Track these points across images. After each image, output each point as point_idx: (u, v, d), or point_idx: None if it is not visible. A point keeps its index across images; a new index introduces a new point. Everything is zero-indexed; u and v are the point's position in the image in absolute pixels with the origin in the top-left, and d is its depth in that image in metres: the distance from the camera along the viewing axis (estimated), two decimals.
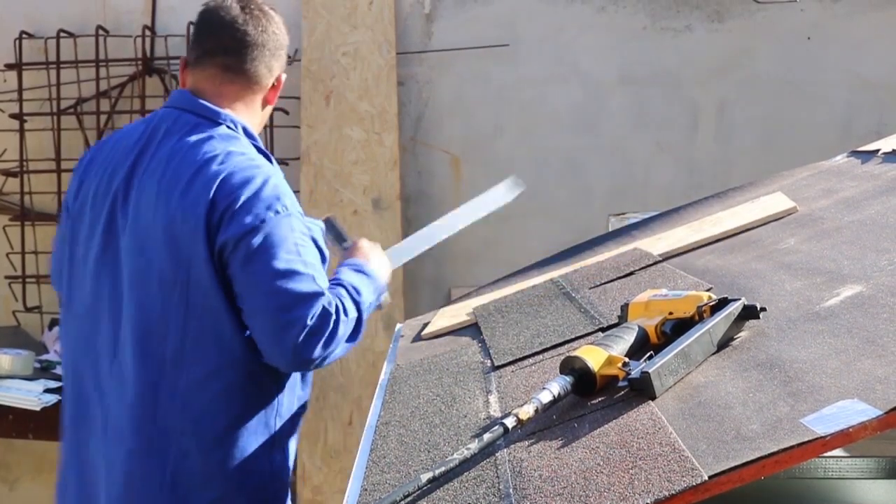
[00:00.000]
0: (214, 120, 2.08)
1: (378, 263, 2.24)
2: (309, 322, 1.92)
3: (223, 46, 2.13)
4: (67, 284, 2.15)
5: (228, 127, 2.09)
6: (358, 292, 2.07)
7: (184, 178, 1.99)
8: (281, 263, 1.94)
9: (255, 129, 2.20)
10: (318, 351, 1.94)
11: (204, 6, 2.26)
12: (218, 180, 1.97)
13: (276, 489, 2.11)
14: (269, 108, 2.27)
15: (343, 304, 2.01)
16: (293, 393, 2.12)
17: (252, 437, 2.02)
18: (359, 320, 2.04)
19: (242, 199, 1.96)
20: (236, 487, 2.01)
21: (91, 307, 2.08)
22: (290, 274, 1.94)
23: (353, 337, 2.03)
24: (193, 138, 2.05)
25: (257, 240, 1.94)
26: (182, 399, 1.98)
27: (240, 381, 2.01)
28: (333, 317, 1.96)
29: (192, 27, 2.30)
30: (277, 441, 2.08)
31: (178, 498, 1.98)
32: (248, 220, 1.95)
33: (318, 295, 1.96)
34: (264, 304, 1.94)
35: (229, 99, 2.13)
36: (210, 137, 2.05)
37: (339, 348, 2.00)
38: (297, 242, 1.99)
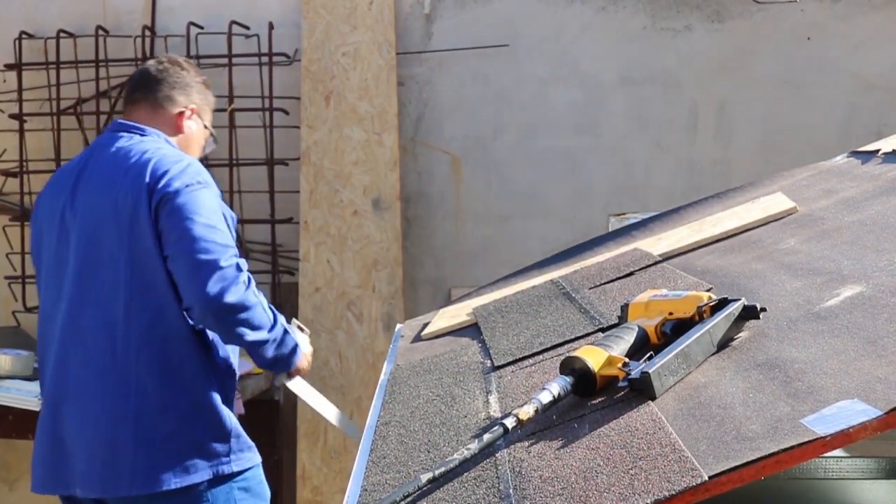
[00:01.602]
0: (142, 132, 2.58)
1: (301, 346, 2.64)
2: (222, 264, 2.33)
3: (135, 87, 2.69)
4: (39, 281, 2.62)
5: (154, 136, 2.59)
6: (276, 316, 2.50)
7: (125, 165, 2.46)
8: (202, 218, 2.37)
9: (186, 150, 2.63)
10: (227, 296, 2.32)
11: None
12: (153, 161, 2.44)
13: (225, 422, 2.45)
14: (196, 132, 2.71)
15: (255, 285, 2.41)
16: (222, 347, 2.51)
17: (197, 376, 2.42)
18: (273, 320, 2.46)
19: (173, 170, 2.42)
20: (190, 419, 2.39)
21: (49, 297, 2.52)
22: (211, 227, 2.37)
23: (259, 324, 2.40)
24: (129, 143, 2.54)
25: (184, 199, 2.38)
26: (135, 347, 2.38)
27: (178, 327, 2.40)
28: (244, 275, 2.37)
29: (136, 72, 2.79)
30: (218, 380, 2.47)
31: (142, 429, 2.35)
32: (177, 184, 2.39)
33: (231, 248, 2.39)
34: (186, 247, 2.33)
35: (147, 121, 2.62)
36: (142, 140, 2.55)
37: (246, 313, 2.36)
38: (217, 210, 2.43)
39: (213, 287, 2.31)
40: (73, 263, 2.45)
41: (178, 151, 2.54)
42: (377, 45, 4.38)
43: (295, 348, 2.58)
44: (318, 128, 4.37)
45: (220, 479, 2.41)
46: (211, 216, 2.39)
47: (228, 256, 2.36)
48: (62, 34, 4.46)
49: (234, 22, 4.37)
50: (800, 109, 4.42)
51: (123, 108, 2.69)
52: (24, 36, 4.51)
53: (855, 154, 2.87)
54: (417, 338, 2.57)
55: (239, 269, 2.37)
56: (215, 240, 2.35)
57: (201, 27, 4.43)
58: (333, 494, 4.24)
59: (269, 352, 2.48)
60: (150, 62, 2.73)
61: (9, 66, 4.50)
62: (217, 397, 2.45)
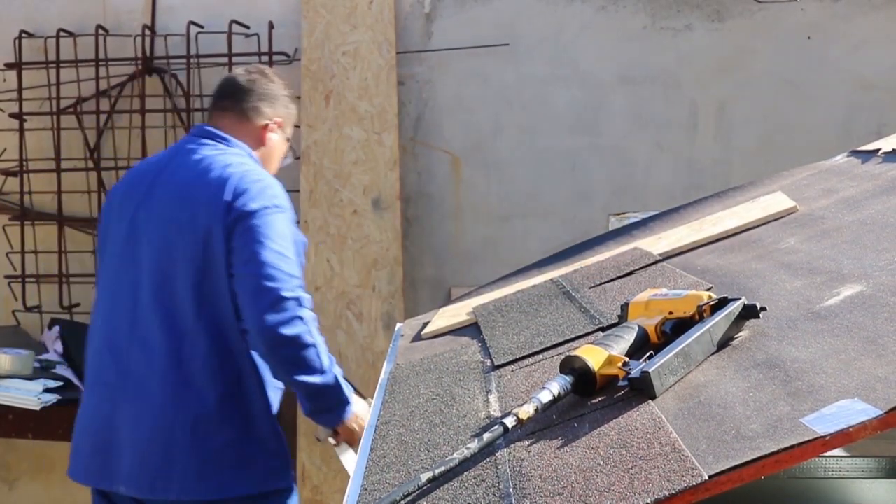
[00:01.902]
0: (227, 142, 2.61)
1: (355, 409, 2.56)
2: (284, 294, 2.33)
3: (221, 93, 2.71)
4: (99, 277, 2.64)
5: (239, 148, 2.62)
6: (332, 364, 2.48)
7: (207, 176, 2.47)
8: (274, 244, 2.38)
9: (266, 163, 2.69)
10: (283, 328, 2.32)
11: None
12: (235, 176, 2.46)
13: (276, 439, 2.52)
14: (278, 145, 2.74)
15: (316, 329, 2.42)
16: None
17: (255, 392, 2.47)
18: (328, 367, 2.44)
19: (253, 190, 2.44)
20: (245, 432, 2.44)
21: (113, 292, 2.54)
22: (280, 254, 2.38)
23: (309, 366, 2.39)
24: (213, 152, 2.56)
25: (259, 221, 2.40)
26: (201, 357, 2.41)
27: (242, 342, 2.43)
28: (305, 311, 2.38)
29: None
30: (268, 398, 2.51)
31: (198, 437, 2.39)
32: (255, 204, 2.41)
33: (296, 279, 2.40)
34: (252, 270, 2.35)
35: (232, 131, 2.64)
36: (225, 152, 2.57)
37: (298, 350, 2.35)
38: (289, 236, 2.44)
39: (271, 316, 2.32)
40: (147, 266, 2.47)
41: (260, 169, 2.57)
42: (377, 44, 4.38)
43: (345, 405, 2.50)
44: (317, 127, 4.37)
45: (264, 495, 2.46)
46: (282, 242, 2.40)
47: (293, 287, 2.36)
48: (62, 33, 4.46)
49: (234, 21, 4.36)
50: (800, 109, 4.42)
51: (210, 114, 2.72)
52: (24, 35, 4.50)
53: (855, 153, 2.87)
54: (417, 337, 2.57)
55: (300, 303, 2.37)
56: (282, 267, 2.36)
57: (201, 26, 4.43)
58: (333, 494, 4.24)
59: (315, 399, 2.45)
60: (239, 71, 2.77)
61: (9, 66, 4.50)
62: (271, 414, 2.51)
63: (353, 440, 2.55)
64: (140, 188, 2.58)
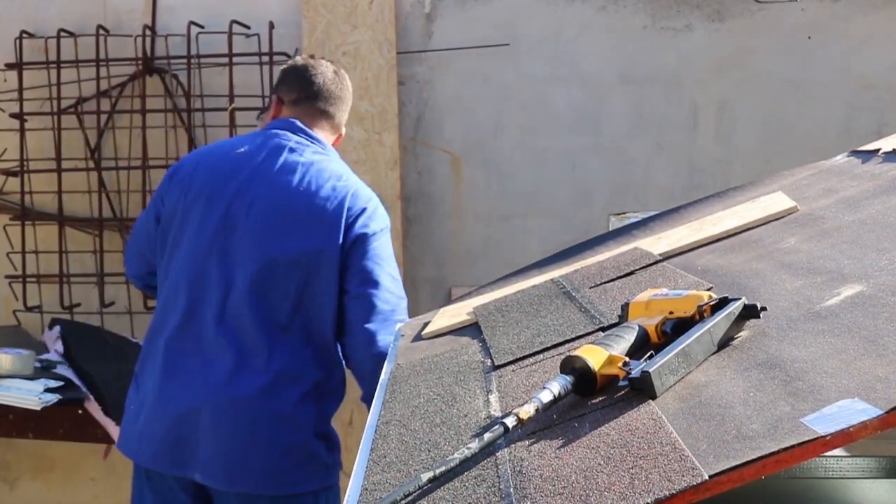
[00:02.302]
0: (324, 149, 2.65)
1: None
2: (396, 317, 2.52)
3: (320, 94, 2.70)
4: (171, 259, 2.61)
5: (335, 154, 2.69)
6: None
7: (322, 185, 2.53)
8: (390, 267, 2.56)
9: None
10: (389, 349, 2.40)
11: (301, 61, 2.81)
12: (351, 190, 2.56)
13: (337, 437, 2.64)
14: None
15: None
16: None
17: (328, 398, 2.57)
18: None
19: (369, 209, 2.56)
20: (319, 430, 2.54)
21: (195, 280, 2.55)
22: (395, 279, 2.58)
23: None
24: (317, 157, 2.60)
25: (378, 243, 2.53)
26: (289, 361, 2.49)
27: (330, 349, 2.55)
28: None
29: (289, 73, 2.80)
30: (340, 398, 2.63)
31: (278, 433, 2.47)
32: (374, 226, 2.54)
33: (405, 300, 2.60)
34: (371, 291, 2.50)
35: (321, 134, 2.69)
36: (329, 159, 2.62)
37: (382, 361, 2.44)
38: (394, 256, 2.61)
39: (383, 337, 2.51)
40: (243, 261, 2.50)
41: (363, 184, 2.66)
42: (377, 44, 4.38)
43: None
44: None
45: (325, 489, 2.57)
46: (393, 264, 2.59)
47: (402, 310, 2.57)
48: (63, 33, 4.46)
49: (234, 21, 4.36)
50: (800, 109, 4.42)
51: (294, 101, 2.70)
52: (24, 35, 4.50)
53: (855, 153, 2.87)
54: (418, 337, 2.56)
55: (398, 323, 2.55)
56: (395, 291, 2.57)
57: (202, 26, 4.43)
58: None
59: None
60: (329, 72, 2.74)
61: (9, 66, 4.50)
62: (332, 413, 2.63)
63: None
64: (234, 178, 2.56)
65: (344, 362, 2.67)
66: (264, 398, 2.47)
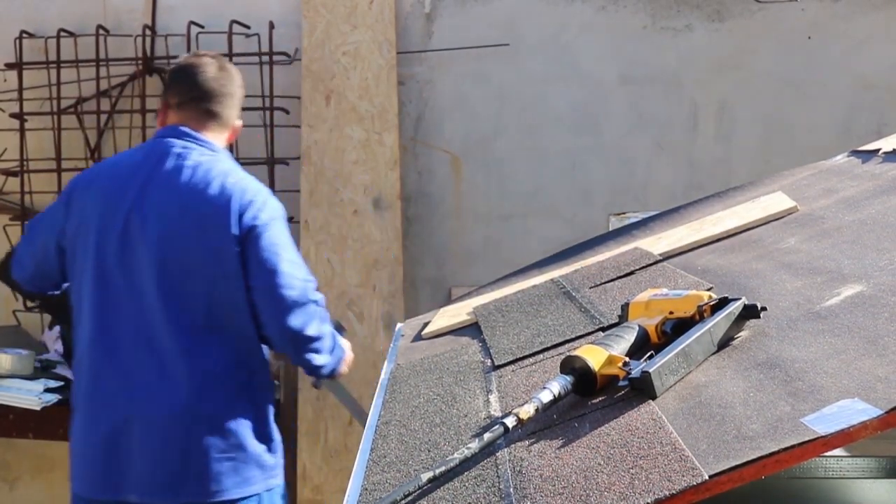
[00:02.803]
0: (211, 148, 2.61)
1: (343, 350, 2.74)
2: (305, 300, 2.52)
3: (204, 95, 2.65)
4: (80, 280, 2.58)
5: (221, 152, 2.64)
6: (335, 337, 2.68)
7: (209, 184, 2.51)
8: (288, 254, 2.53)
9: None
10: (307, 329, 2.52)
11: (183, 60, 2.78)
12: (239, 186, 2.53)
13: (277, 437, 2.62)
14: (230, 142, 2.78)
15: (326, 321, 2.62)
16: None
17: (261, 391, 2.59)
18: (335, 343, 2.66)
19: (258, 201, 2.53)
20: (254, 432, 2.52)
21: (104, 298, 2.52)
22: (295, 263, 2.55)
23: (326, 350, 2.61)
24: (204, 158, 2.57)
25: (271, 232, 2.51)
26: (212, 366, 2.47)
27: (253, 346, 2.55)
28: (321, 309, 2.58)
29: (173, 76, 2.77)
30: (272, 396, 2.65)
31: (214, 439, 2.45)
32: (265, 216, 2.51)
33: (312, 282, 2.58)
34: (273, 281, 2.48)
35: (207, 133, 2.64)
36: (217, 158, 2.60)
37: (318, 342, 2.57)
38: (292, 242, 2.61)
39: (295, 321, 2.50)
40: (150, 274, 2.48)
41: (250, 176, 2.63)
42: (377, 44, 4.38)
43: (341, 359, 2.71)
44: (318, 127, 4.37)
45: (268, 491, 2.54)
46: (293, 250, 2.57)
47: (311, 291, 2.55)
48: (63, 33, 4.46)
49: (234, 21, 4.36)
50: (800, 109, 4.42)
51: (178, 105, 2.65)
52: (24, 35, 4.50)
53: (855, 153, 2.87)
54: (418, 337, 2.57)
55: (317, 304, 2.56)
56: (297, 275, 2.53)
57: (202, 26, 4.43)
58: (334, 494, 4.24)
59: (327, 370, 2.65)
60: (209, 69, 2.68)
61: (9, 66, 4.50)
62: (272, 412, 2.61)
63: (341, 375, 2.77)
64: (125, 194, 2.54)
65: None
66: (192, 403, 2.45)
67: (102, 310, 2.52)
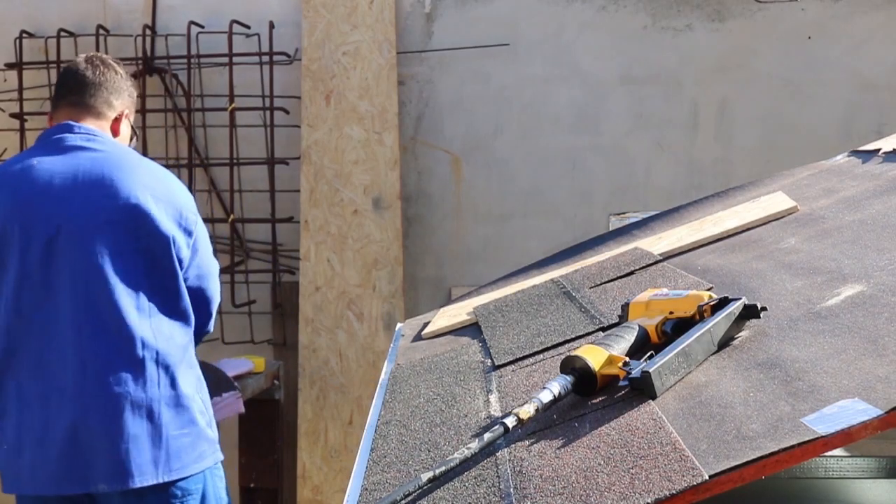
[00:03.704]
0: (104, 141, 2.60)
1: None
2: (217, 303, 2.74)
3: (76, 91, 2.65)
4: (7, 274, 2.55)
5: (121, 145, 2.66)
6: None
7: (120, 176, 2.51)
8: (210, 252, 2.69)
9: None
10: (212, 326, 2.76)
11: (66, 65, 2.82)
12: (166, 181, 2.60)
13: (213, 415, 2.68)
14: (127, 134, 2.74)
15: None
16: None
17: (199, 369, 2.66)
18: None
19: (186, 197, 2.61)
20: (199, 411, 2.58)
21: (39, 298, 2.51)
22: (215, 263, 2.72)
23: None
24: (113, 149, 2.59)
25: (200, 230, 2.62)
26: (162, 341, 2.52)
27: (188, 321, 2.61)
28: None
29: (57, 80, 2.82)
30: (201, 375, 2.69)
31: (167, 421, 2.50)
32: (193, 215, 2.60)
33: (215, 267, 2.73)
34: (206, 284, 2.65)
35: (97, 127, 2.63)
36: (119, 148, 2.62)
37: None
38: None
39: (211, 322, 2.74)
40: (80, 268, 2.48)
41: (164, 169, 2.69)
42: (377, 44, 4.38)
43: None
44: (318, 127, 4.37)
45: (215, 464, 2.63)
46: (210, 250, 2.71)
47: (218, 293, 2.75)
48: (63, 33, 4.46)
49: (234, 21, 4.37)
50: (800, 108, 4.42)
51: (54, 106, 2.68)
52: (24, 35, 4.51)
53: (855, 153, 2.87)
54: (418, 337, 2.57)
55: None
56: (216, 275, 2.72)
57: (202, 26, 4.43)
58: (334, 494, 4.24)
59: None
60: (81, 63, 2.71)
61: (9, 66, 4.50)
62: (205, 388, 2.69)
63: None
64: (47, 194, 2.51)
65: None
66: (144, 391, 2.49)
67: (43, 315, 2.51)
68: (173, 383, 2.53)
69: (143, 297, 2.51)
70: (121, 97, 2.71)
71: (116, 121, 2.69)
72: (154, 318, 2.52)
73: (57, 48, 4.44)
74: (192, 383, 2.59)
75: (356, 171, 4.36)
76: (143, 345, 2.49)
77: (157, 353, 2.51)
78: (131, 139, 2.77)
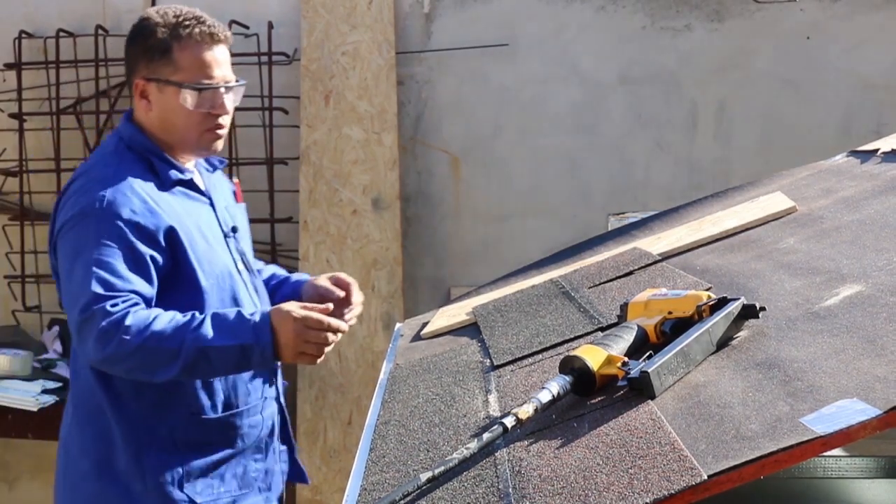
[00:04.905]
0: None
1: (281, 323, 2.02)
2: (78, 322, 2.03)
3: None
4: None
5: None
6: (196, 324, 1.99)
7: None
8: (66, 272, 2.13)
9: (167, 129, 2.23)
10: (99, 352, 1.99)
11: None
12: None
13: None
14: (163, 103, 2.21)
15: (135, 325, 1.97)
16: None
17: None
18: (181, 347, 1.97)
19: (67, 199, 2.16)
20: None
21: None
22: (71, 280, 2.12)
23: (163, 358, 1.98)
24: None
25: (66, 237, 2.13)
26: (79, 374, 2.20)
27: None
28: (106, 321, 1.96)
29: None
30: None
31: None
32: (61, 216, 2.15)
33: (85, 297, 2.02)
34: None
35: (136, 107, 2.25)
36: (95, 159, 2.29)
37: (128, 357, 1.97)
38: (82, 247, 2.11)
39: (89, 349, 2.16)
40: None
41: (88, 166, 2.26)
42: (377, 44, 4.38)
43: (257, 343, 1.98)
44: (317, 127, 4.37)
45: None
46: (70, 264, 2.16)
47: (81, 309, 2.06)
48: (62, 33, 4.45)
49: (233, 21, 4.36)
50: (799, 109, 4.42)
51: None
52: (23, 35, 4.50)
53: (854, 153, 2.87)
54: (417, 337, 2.57)
55: (96, 318, 2.01)
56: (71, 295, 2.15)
57: None
58: (333, 494, 4.24)
59: (220, 368, 2.04)
60: None
61: (8, 66, 4.49)
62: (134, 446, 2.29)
63: (312, 349, 2.00)
64: None
65: None
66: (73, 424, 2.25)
67: None
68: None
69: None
70: (130, 65, 2.23)
71: (139, 97, 2.22)
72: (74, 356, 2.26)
73: (56, 48, 4.44)
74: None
75: (355, 172, 4.36)
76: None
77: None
78: (194, 99, 2.22)
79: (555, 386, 1.50)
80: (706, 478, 1.15)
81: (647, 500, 1.16)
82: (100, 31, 4.44)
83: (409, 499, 1.37)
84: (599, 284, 2.27)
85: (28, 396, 3.64)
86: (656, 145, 4.48)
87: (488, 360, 1.99)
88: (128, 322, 1.95)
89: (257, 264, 2.53)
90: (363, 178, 4.36)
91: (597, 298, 2.14)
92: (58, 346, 4.08)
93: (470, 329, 2.37)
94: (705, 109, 4.46)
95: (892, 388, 1.19)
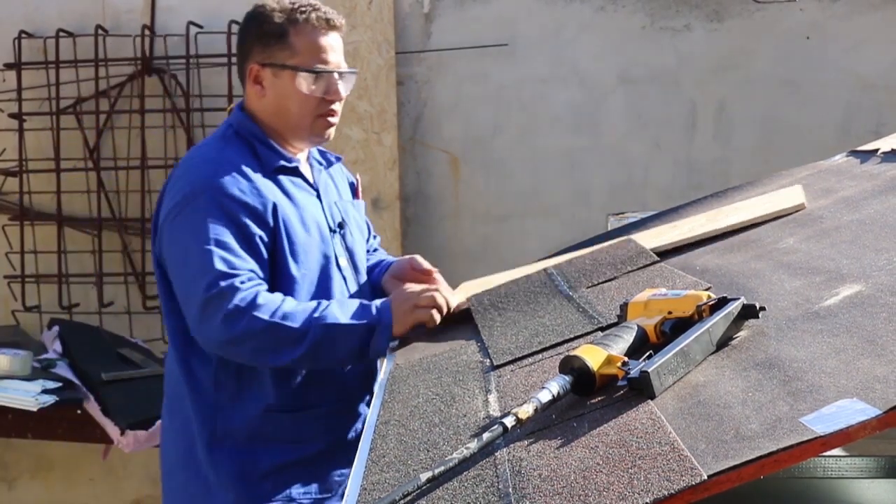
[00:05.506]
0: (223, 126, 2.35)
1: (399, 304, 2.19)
2: (202, 301, 2.05)
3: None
4: None
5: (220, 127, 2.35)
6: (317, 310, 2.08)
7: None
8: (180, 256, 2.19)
9: (281, 117, 2.26)
10: (222, 333, 2.04)
11: None
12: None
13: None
14: (279, 89, 2.23)
15: (258, 307, 2.03)
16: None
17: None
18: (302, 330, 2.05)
19: (172, 188, 2.24)
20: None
21: None
22: (185, 263, 2.20)
23: (286, 339, 2.04)
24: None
25: (172, 226, 2.20)
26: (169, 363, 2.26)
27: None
28: (233, 300, 2.02)
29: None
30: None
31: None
32: (165, 206, 2.23)
33: (208, 277, 2.08)
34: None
35: (246, 93, 2.30)
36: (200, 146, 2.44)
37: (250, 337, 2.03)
38: (199, 231, 2.16)
39: (203, 329, 2.24)
40: None
41: (192, 160, 2.33)
42: (376, 44, 4.38)
43: (374, 323, 2.13)
44: None
45: None
46: (183, 248, 2.25)
47: (205, 288, 2.14)
48: (61, 33, 4.45)
49: (233, 21, 4.36)
50: (799, 109, 4.42)
51: None
52: (23, 35, 4.50)
53: (854, 153, 2.87)
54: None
55: (224, 297, 2.10)
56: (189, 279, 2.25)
57: (201, 26, 4.43)
58: None
59: (332, 352, 2.11)
60: None
61: (8, 66, 4.49)
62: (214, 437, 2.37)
63: (427, 316, 2.20)
64: None
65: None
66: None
67: None
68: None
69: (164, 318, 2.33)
70: (243, 52, 2.26)
71: (252, 84, 2.25)
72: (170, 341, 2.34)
73: (56, 48, 4.44)
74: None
75: (355, 172, 4.35)
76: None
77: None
78: (320, 85, 2.20)
79: (555, 386, 1.50)
80: (706, 478, 1.15)
81: (647, 500, 1.16)
82: (100, 31, 4.44)
83: (409, 499, 1.37)
84: (598, 284, 2.27)
85: (28, 396, 3.63)
86: (656, 145, 4.48)
87: (488, 360, 1.98)
88: (260, 301, 2.00)
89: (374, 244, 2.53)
90: (363, 179, 4.35)
91: (596, 298, 2.14)
92: (58, 346, 4.08)
93: (469, 329, 2.37)
94: (705, 109, 4.47)
95: (891, 388, 1.19)
